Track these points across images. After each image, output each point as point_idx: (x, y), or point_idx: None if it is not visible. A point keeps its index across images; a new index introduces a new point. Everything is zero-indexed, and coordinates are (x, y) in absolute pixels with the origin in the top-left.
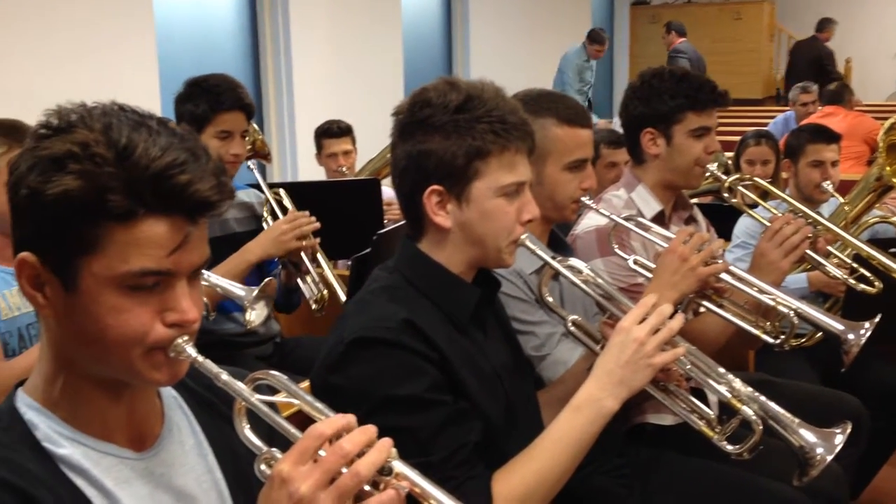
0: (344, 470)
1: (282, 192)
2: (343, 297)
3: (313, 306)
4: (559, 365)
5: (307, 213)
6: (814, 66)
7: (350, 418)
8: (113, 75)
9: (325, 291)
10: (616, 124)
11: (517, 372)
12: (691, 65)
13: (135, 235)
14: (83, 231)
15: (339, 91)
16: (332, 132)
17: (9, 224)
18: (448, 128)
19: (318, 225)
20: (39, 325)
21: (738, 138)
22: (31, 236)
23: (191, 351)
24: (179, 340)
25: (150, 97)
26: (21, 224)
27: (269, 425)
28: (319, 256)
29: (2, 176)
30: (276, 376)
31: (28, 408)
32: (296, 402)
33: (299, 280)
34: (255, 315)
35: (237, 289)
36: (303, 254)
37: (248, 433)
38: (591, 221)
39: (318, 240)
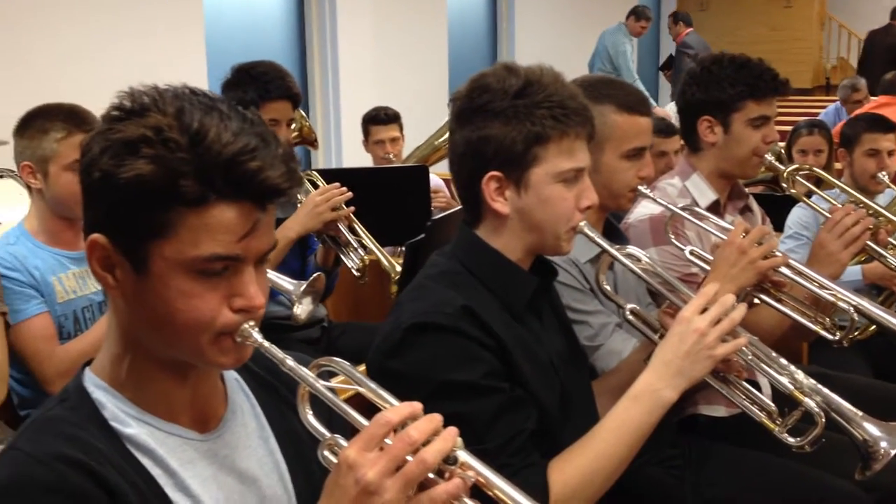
0: (410, 458)
1: (314, 173)
2: (386, 262)
3: (356, 274)
4: (612, 355)
5: (338, 184)
6: (891, 52)
7: (416, 406)
8: (161, 60)
9: (367, 258)
10: (672, 112)
11: (572, 361)
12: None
13: (205, 221)
14: (155, 215)
15: (384, 78)
16: (379, 119)
17: (66, 208)
18: (507, 113)
19: (350, 194)
20: (108, 306)
21: (788, 128)
22: (102, 219)
23: (257, 336)
24: (246, 326)
25: (198, 83)
26: (93, 206)
27: (329, 410)
28: (357, 227)
29: (62, 160)
30: (340, 363)
31: (96, 387)
32: (360, 388)
33: (340, 254)
34: (302, 310)
35: (286, 283)
36: (340, 225)
37: (311, 419)
38: (644, 210)
39: (352, 208)
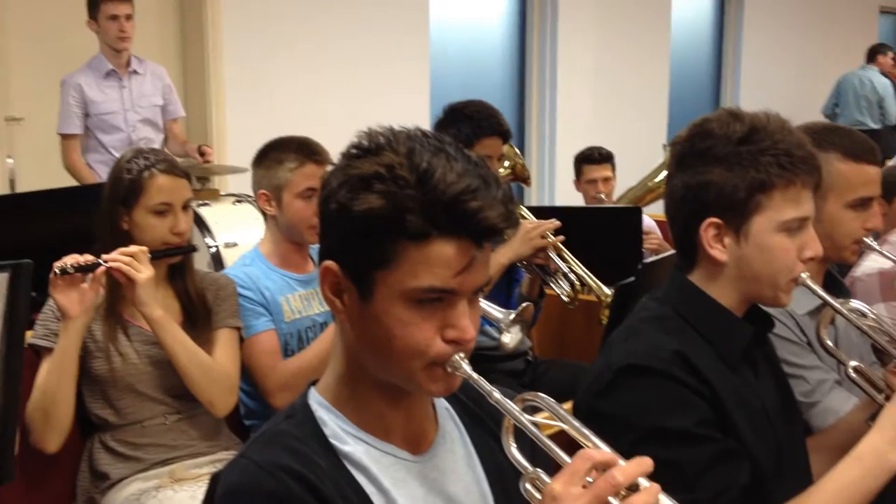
0: (612, 500)
1: (523, 208)
2: (596, 287)
3: (565, 300)
4: (829, 413)
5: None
6: None
7: (617, 459)
8: (388, 96)
9: (579, 284)
10: None
11: (786, 415)
12: None
13: (426, 254)
14: (381, 246)
15: (601, 118)
16: (592, 158)
17: (296, 233)
18: (730, 159)
19: (558, 224)
20: (327, 327)
21: None
22: (335, 247)
23: (467, 368)
24: (457, 357)
25: (421, 119)
26: (328, 235)
27: (532, 445)
28: (566, 255)
29: (295, 188)
30: (545, 399)
31: (319, 405)
32: (564, 426)
33: (549, 282)
34: (511, 338)
35: (495, 311)
36: (549, 252)
37: (514, 451)
38: (873, 264)
39: (562, 237)
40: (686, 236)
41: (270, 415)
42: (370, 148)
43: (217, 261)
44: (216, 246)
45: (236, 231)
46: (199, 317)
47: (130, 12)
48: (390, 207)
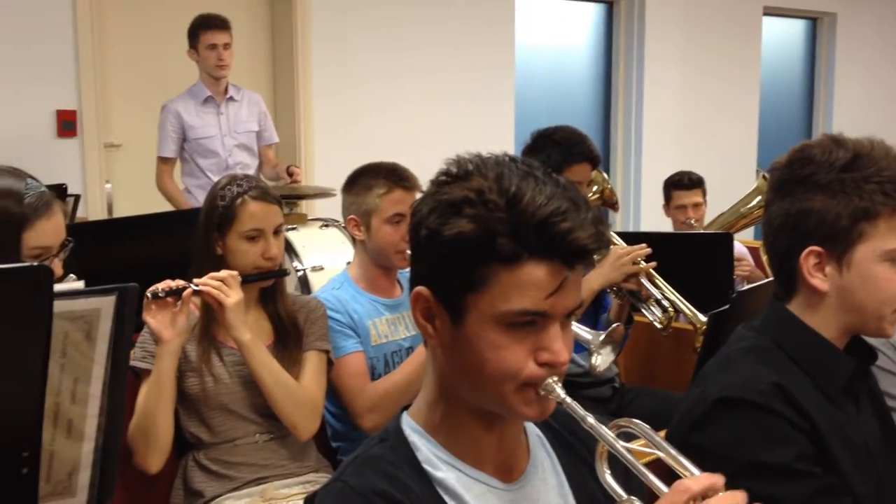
0: None
1: (612, 234)
2: (690, 314)
3: (658, 326)
4: None
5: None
6: None
7: (717, 478)
8: (473, 120)
9: (672, 311)
10: None
11: (889, 450)
12: None
13: (517, 277)
14: (472, 270)
15: (687, 142)
16: (682, 184)
17: (384, 257)
18: (833, 187)
19: (649, 250)
20: (427, 354)
21: None
22: (427, 272)
23: (560, 392)
24: (550, 381)
25: (506, 143)
26: (419, 261)
27: (626, 472)
28: (658, 281)
29: (383, 213)
30: (641, 425)
31: (412, 430)
32: (660, 454)
33: (641, 309)
34: (601, 360)
35: (585, 332)
36: (641, 278)
37: (609, 478)
38: None
39: (654, 263)
40: (785, 265)
41: (357, 437)
42: (459, 174)
43: (304, 284)
44: (303, 269)
45: (323, 255)
46: (289, 339)
47: (229, 41)
48: (481, 231)
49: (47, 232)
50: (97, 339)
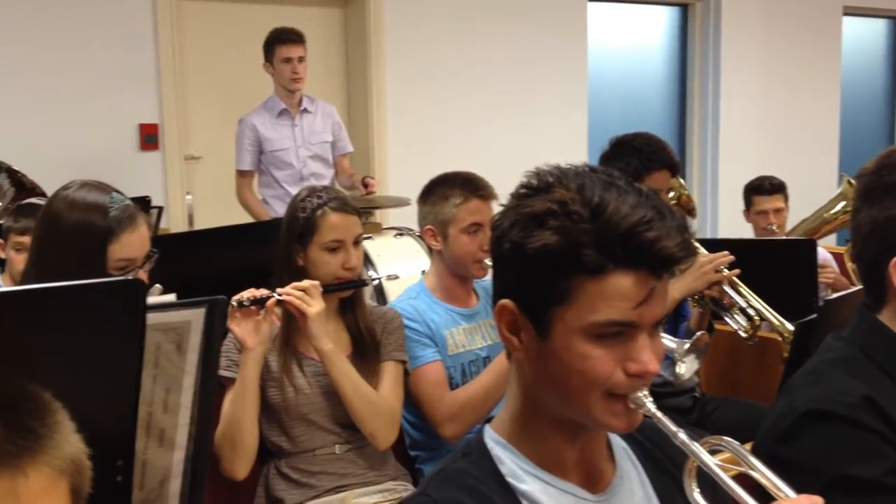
0: None
1: (695, 242)
2: (778, 322)
3: (743, 335)
4: None
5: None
6: None
7: (816, 500)
8: (546, 128)
9: (758, 319)
10: None
11: None
12: None
13: (604, 288)
14: (558, 283)
15: (766, 146)
16: (763, 189)
17: (461, 266)
18: None
19: (732, 258)
20: (511, 367)
21: None
22: (511, 286)
23: (650, 406)
24: (640, 394)
25: (578, 150)
26: (503, 274)
27: (713, 489)
28: (742, 289)
29: (460, 223)
30: (731, 443)
31: (495, 443)
32: (752, 472)
33: (725, 317)
34: (685, 369)
35: (668, 341)
36: (725, 287)
37: (697, 496)
38: None
39: (737, 271)
40: (874, 273)
41: (435, 446)
42: (540, 186)
43: (379, 293)
44: (379, 278)
45: (398, 264)
46: (367, 349)
47: (303, 55)
48: (565, 243)
49: (132, 244)
50: (188, 350)
